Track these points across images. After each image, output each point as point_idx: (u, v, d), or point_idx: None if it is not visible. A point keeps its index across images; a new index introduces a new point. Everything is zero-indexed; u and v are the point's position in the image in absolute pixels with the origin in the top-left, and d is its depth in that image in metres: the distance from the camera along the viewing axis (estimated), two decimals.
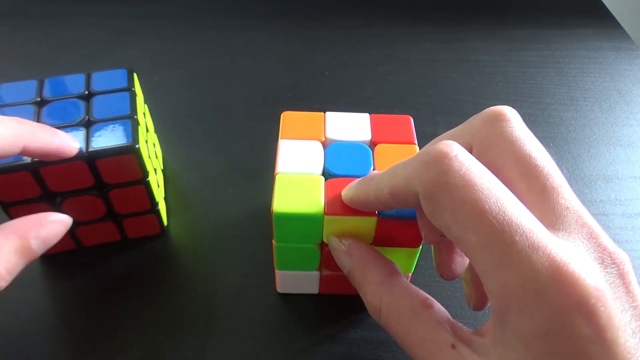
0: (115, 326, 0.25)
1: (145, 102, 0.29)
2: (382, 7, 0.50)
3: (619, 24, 0.49)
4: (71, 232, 0.26)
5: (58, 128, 0.23)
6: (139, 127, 0.24)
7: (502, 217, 0.15)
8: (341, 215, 0.21)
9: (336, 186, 0.22)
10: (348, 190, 0.21)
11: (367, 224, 0.21)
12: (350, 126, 0.25)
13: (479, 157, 0.19)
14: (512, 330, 0.15)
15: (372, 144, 0.24)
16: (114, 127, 0.24)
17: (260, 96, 0.38)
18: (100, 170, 0.23)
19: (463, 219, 0.16)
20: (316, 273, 0.25)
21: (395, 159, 0.20)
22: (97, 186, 0.24)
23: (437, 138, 0.21)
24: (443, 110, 0.38)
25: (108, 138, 0.23)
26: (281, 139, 0.24)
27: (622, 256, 0.16)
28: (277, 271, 0.25)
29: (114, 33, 0.44)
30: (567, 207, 0.17)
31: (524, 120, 0.19)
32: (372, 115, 0.25)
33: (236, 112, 0.37)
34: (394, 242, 0.23)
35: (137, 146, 0.23)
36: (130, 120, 0.24)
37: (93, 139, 0.23)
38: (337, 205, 0.21)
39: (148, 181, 0.25)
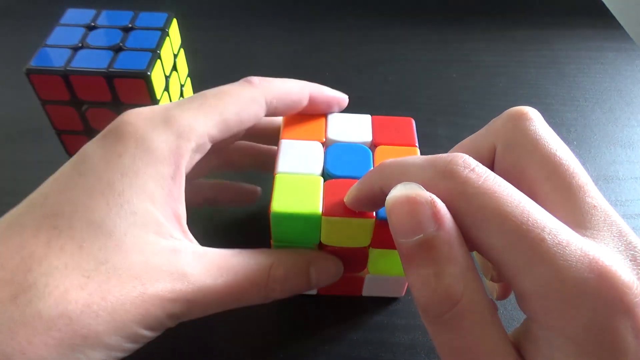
0: None
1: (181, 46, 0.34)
2: (383, 7, 0.50)
3: (619, 24, 0.49)
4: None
5: (96, 49, 0.29)
6: (159, 60, 0.29)
7: (526, 219, 0.15)
8: (339, 216, 0.21)
9: (335, 187, 0.22)
10: (349, 192, 0.21)
11: (364, 226, 0.21)
12: (352, 127, 0.25)
13: (503, 158, 0.19)
14: (559, 332, 0.14)
15: (373, 146, 0.24)
16: (137, 56, 0.29)
17: None
18: (116, 88, 0.28)
19: (484, 223, 0.15)
20: (371, 276, 0.25)
21: None
22: (113, 102, 0.29)
23: (460, 143, 0.21)
24: (443, 110, 0.38)
25: (128, 63, 0.28)
26: (282, 139, 0.24)
27: None
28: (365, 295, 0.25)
29: None
30: (595, 206, 0.16)
31: None
32: (373, 117, 0.25)
33: None
34: (391, 244, 0.23)
35: (148, 73, 0.27)
36: (152, 53, 0.29)
37: (116, 62, 0.28)
38: (335, 207, 0.21)
39: None
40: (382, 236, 0.22)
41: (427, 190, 0.16)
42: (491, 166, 0.19)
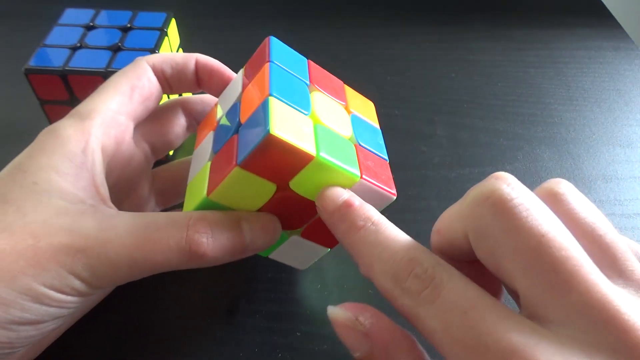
0: None
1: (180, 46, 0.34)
2: (382, 7, 0.50)
3: (619, 24, 0.49)
4: None
5: (95, 49, 0.29)
6: None
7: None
8: (218, 185, 0.19)
9: (216, 164, 0.20)
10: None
11: (239, 175, 0.19)
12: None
13: (477, 248, 0.16)
14: None
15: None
16: (136, 56, 0.28)
17: None
18: None
19: None
20: (298, 238, 0.23)
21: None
22: None
23: (439, 221, 0.19)
24: (443, 110, 0.38)
25: (127, 63, 0.27)
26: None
27: None
28: (271, 257, 0.24)
29: None
30: (581, 304, 0.14)
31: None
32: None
33: None
34: (288, 169, 0.19)
35: None
36: (150, 53, 0.30)
37: (115, 61, 0.29)
38: (212, 180, 0.19)
39: None
40: (271, 164, 0.19)
41: None
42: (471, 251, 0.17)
